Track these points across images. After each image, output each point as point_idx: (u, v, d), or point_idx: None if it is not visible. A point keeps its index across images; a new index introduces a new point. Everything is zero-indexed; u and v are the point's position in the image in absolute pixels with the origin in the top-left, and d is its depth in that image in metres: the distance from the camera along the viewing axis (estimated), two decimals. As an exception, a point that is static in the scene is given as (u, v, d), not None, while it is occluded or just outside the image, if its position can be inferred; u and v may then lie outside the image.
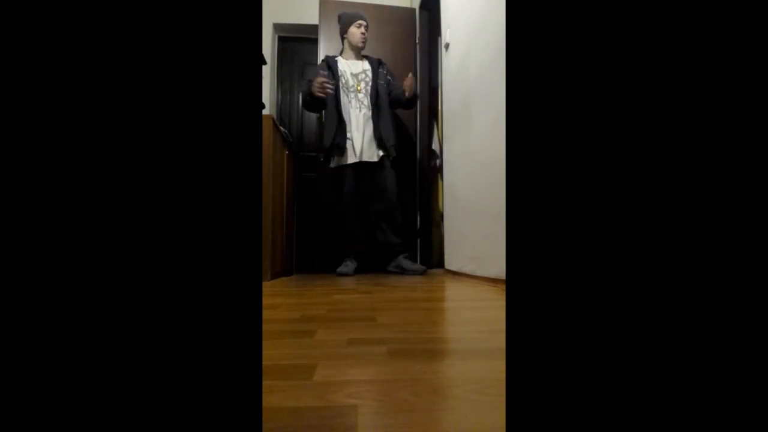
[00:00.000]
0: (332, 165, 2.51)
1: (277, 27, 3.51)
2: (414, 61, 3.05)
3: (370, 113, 2.53)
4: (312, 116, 3.60)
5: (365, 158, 2.46)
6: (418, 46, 3.09)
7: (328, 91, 2.37)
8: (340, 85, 2.54)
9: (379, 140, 2.47)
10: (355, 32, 2.59)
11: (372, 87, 2.57)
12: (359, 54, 2.64)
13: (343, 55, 2.65)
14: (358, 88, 2.57)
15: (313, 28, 3.27)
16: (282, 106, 3.62)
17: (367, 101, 2.55)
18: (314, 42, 3.31)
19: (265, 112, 2.64)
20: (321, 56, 2.98)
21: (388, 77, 2.64)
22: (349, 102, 2.53)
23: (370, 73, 2.61)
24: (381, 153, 2.47)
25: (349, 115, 2.51)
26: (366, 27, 2.62)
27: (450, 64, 2.39)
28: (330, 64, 2.58)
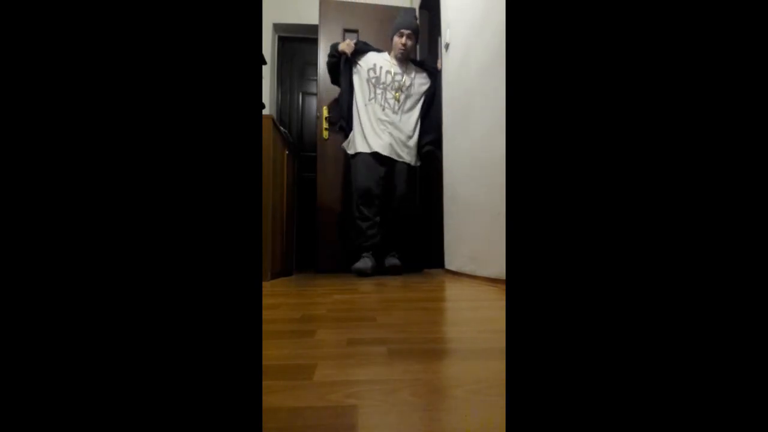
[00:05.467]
0: (349, 151, 2.52)
1: (277, 27, 3.51)
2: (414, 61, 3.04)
3: (395, 117, 2.49)
4: (312, 116, 3.59)
5: (382, 150, 2.43)
6: (418, 46, 3.09)
7: (347, 51, 2.44)
8: (361, 69, 2.52)
9: (403, 146, 2.48)
10: (396, 42, 2.56)
11: (413, 100, 2.56)
12: (404, 63, 2.59)
13: (390, 53, 2.62)
14: (396, 95, 2.52)
15: (313, 28, 3.27)
16: (282, 106, 3.62)
17: (392, 100, 2.50)
18: (314, 42, 3.31)
19: (265, 112, 2.64)
20: (321, 56, 2.97)
21: (428, 67, 2.62)
22: (374, 97, 2.50)
23: (408, 80, 2.57)
24: (403, 158, 2.47)
25: (363, 105, 2.49)
26: (409, 35, 2.54)
27: (450, 64, 2.39)
28: (363, 50, 2.56)
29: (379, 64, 2.56)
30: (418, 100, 2.59)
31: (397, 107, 2.52)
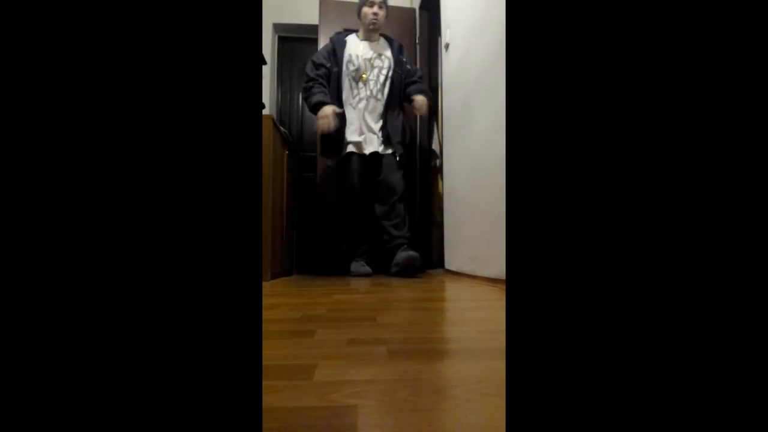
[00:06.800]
0: (334, 160, 2.37)
1: (277, 27, 3.51)
2: (414, 61, 3.04)
3: (378, 104, 2.32)
4: (312, 116, 3.59)
5: (370, 149, 2.30)
6: (418, 46, 3.09)
7: (330, 130, 2.19)
8: (342, 70, 2.33)
9: (386, 137, 2.30)
10: (367, 12, 2.33)
11: (391, 75, 2.35)
12: (374, 35, 2.39)
13: (358, 34, 2.42)
14: (364, 76, 2.33)
15: (313, 28, 3.27)
16: (282, 106, 3.62)
17: (375, 89, 2.33)
18: (314, 42, 3.31)
19: (265, 112, 2.64)
20: (321, 56, 2.96)
21: (408, 66, 2.41)
22: (350, 91, 2.33)
23: (386, 61, 2.37)
24: (388, 150, 2.31)
25: (348, 105, 2.33)
26: (381, 5, 2.32)
27: (450, 64, 2.39)
28: (336, 48, 2.35)
29: (354, 52, 2.36)
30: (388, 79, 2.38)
31: (382, 95, 2.35)
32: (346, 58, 2.35)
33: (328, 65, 2.34)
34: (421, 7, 3.10)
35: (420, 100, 2.26)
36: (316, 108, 2.23)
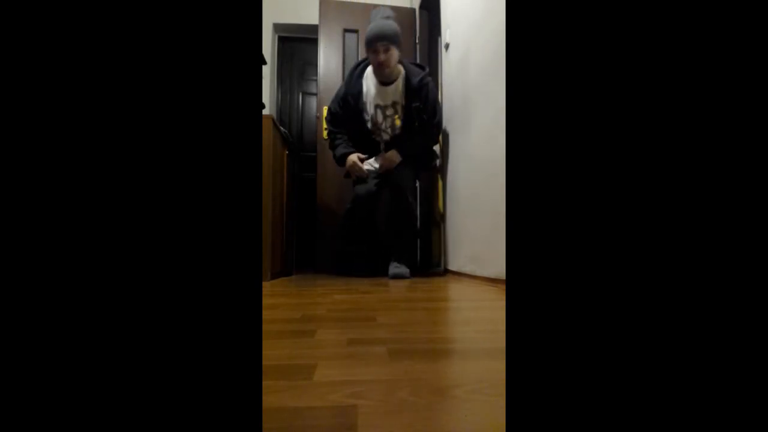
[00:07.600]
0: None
1: (277, 27, 3.51)
2: (414, 61, 3.04)
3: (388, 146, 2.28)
4: (312, 116, 3.60)
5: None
6: (418, 46, 3.09)
7: (362, 174, 2.21)
8: (365, 119, 2.25)
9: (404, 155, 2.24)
10: (372, 59, 2.13)
11: (402, 127, 2.23)
12: (387, 78, 2.18)
13: (373, 72, 2.20)
14: (396, 121, 2.22)
15: (313, 28, 3.27)
16: (282, 106, 3.62)
17: (390, 133, 2.28)
18: (314, 42, 3.32)
19: (265, 112, 2.64)
20: (321, 56, 2.96)
21: (424, 115, 2.17)
22: (372, 129, 2.29)
23: (399, 109, 2.22)
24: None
25: (372, 137, 2.31)
26: (386, 49, 2.09)
27: (450, 64, 2.39)
28: (348, 93, 2.21)
29: (369, 99, 2.24)
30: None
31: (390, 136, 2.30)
32: (367, 103, 2.26)
33: (341, 113, 2.29)
34: (421, 7, 3.10)
35: (389, 156, 2.21)
36: (341, 160, 2.28)
